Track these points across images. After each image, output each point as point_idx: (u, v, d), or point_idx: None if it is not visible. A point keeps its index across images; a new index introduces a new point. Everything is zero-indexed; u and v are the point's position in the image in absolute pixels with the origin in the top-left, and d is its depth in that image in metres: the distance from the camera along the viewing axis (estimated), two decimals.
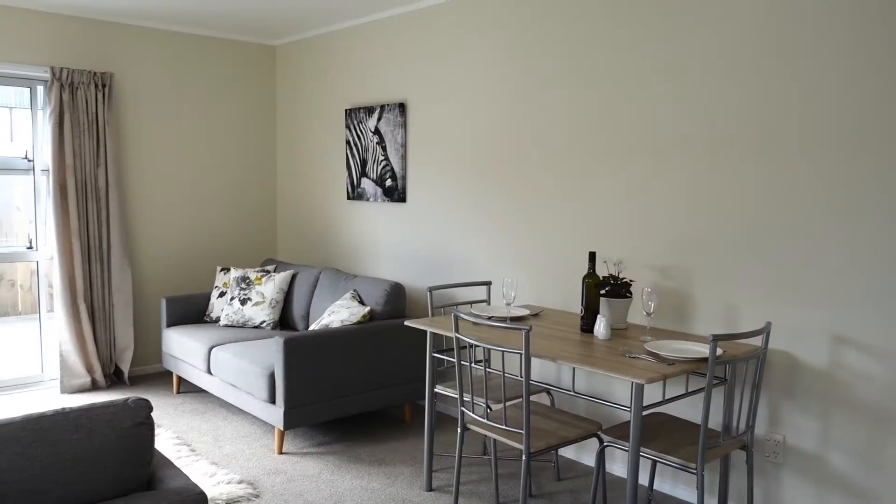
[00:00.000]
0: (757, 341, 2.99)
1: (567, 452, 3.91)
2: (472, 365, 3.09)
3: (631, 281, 3.27)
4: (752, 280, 3.07)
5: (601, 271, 3.60)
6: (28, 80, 4.86)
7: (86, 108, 4.89)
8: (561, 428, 2.95)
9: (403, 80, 4.73)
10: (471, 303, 3.84)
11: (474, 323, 3.07)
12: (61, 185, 4.84)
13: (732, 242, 3.13)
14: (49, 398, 4.84)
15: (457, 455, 3.08)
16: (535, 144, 3.93)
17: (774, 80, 2.96)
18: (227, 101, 5.73)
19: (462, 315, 2.94)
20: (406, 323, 3.43)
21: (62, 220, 4.85)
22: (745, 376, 2.87)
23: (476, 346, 2.85)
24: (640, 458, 2.66)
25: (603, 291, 3.23)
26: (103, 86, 4.94)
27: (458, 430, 3.06)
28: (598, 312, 3.15)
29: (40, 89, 4.92)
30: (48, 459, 1.73)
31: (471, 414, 2.98)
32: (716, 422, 3.19)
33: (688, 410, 3.33)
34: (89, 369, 4.99)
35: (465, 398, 3.06)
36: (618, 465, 3.67)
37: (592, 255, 3.14)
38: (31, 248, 5.10)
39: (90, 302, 5.00)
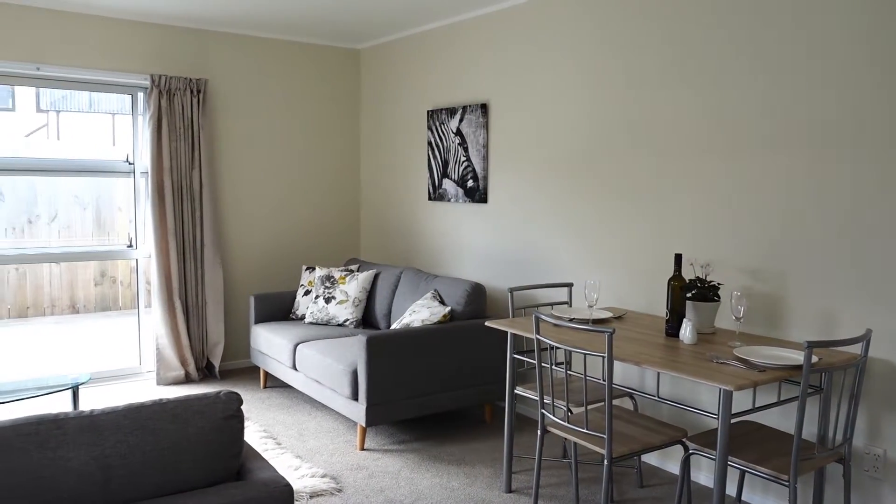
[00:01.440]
0: (856, 349, 2.84)
1: (650, 459, 3.82)
2: (553, 367, 3.06)
3: (719, 284, 3.16)
4: (850, 285, 2.92)
5: (687, 273, 3.50)
6: (129, 87, 5.13)
7: (182, 114, 5.12)
8: (644, 433, 2.88)
9: (486, 81, 4.73)
10: (552, 304, 3.81)
11: (555, 325, 3.04)
12: (159, 186, 5.08)
13: (830, 244, 2.98)
14: (146, 389, 5.08)
15: (536, 457, 3.06)
16: (618, 143, 3.86)
17: (875, 74, 2.80)
18: (313, 104, 5.88)
19: (543, 317, 2.92)
20: (486, 323, 3.43)
21: (159, 220, 5.09)
22: (843, 386, 2.73)
23: (557, 348, 2.83)
24: (728, 467, 2.57)
25: (689, 294, 3.14)
26: (198, 91, 5.16)
27: (539, 432, 3.04)
28: (683, 316, 3.07)
29: (140, 96, 5.18)
30: (147, 446, 1.82)
31: (551, 416, 2.95)
32: (810, 432, 3.05)
33: (779, 420, 3.19)
34: (183, 362, 5.22)
35: (545, 400, 3.04)
36: (703, 474, 3.56)
37: (678, 257, 3.05)
38: (130, 246, 5.38)
39: (184, 298, 5.23)
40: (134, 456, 1.80)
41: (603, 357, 2.64)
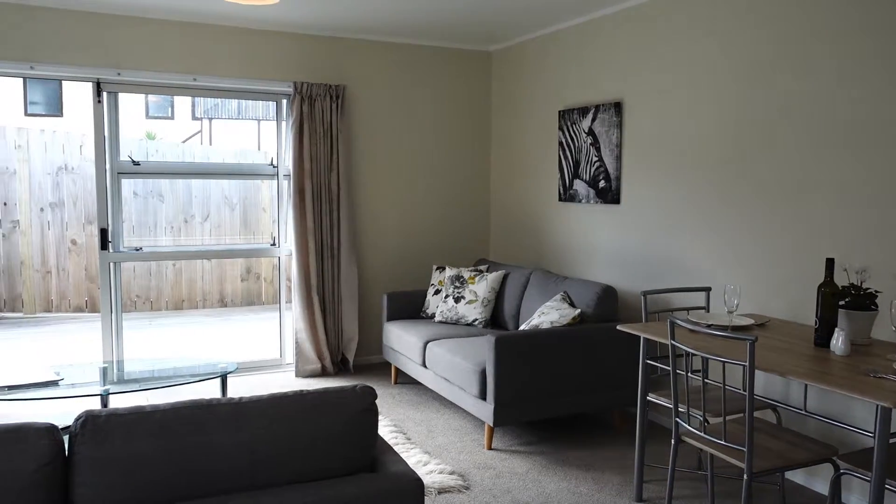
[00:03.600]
0: None
1: (794, 476, 3.59)
2: (689, 375, 2.94)
3: (877, 292, 2.92)
4: None
5: (840, 280, 3.25)
6: (275, 94, 5.43)
7: (322, 119, 5.36)
8: (788, 449, 2.71)
9: (619, 80, 4.62)
10: (687, 309, 3.66)
11: (692, 330, 2.92)
12: (300, 188, 5.34)
13: None
14: (286, 380, 5.36)
15: (669, 467, 2.96)
16: (760, 142, 3.65)
17: None
18: (445, 106, 5.98)
19: (679, 322, 2.81)
20: (618, 327, 3.35)
21: (300, 220, 5.35)
22: None
23: (694, 354, 2.72)
24: (886, 490, 2.37)
25: (842, 302, 2.92)
26: (337, 97, 5.38)
27: (672, 441, 2.93)
28: (835, 325, 2.85)
29: (284, 102, 5.47)
30: (288, 435, 1.92)
31: (686, 426, 2.84)
32: None
33: None
34: (320, 356, 5.46)
35: (680, 409, 2.93)
36: (855, 496, 3.30)
37: (830, 262, 2.85)
38: (273, 244, 5.69)
39: (322, 295, 5.47)
40: (276, 443, 1.90)
41: (744, 366, 2.51)
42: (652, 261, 4.42)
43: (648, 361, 3.31)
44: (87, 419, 1.77)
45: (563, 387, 4.01)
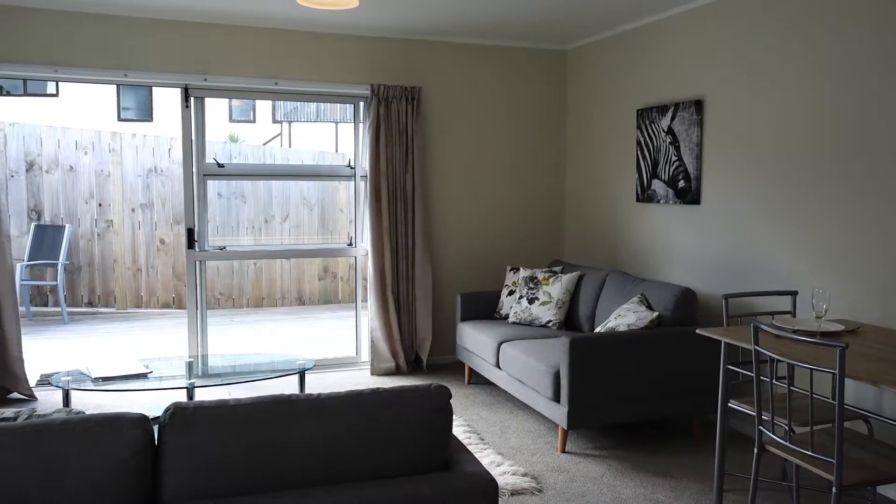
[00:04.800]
0: None
1: (888, 491, 3.41)
2: (774, 382, 2.83)
3: None
4: None
5: None
6: (352, 97, 5.53)
7: (397, 120, 5.43)
8: (881, 461, 2.58)
9: (700, 77, 4.50)
10: (772, 314, 3.53)
11: (776, 336, 2.81)
12: (376, 189, 5.42)
13: None
14: (361, 378, 5.45)
15: (752, 477, 2.86)
16: (851, 139, 3.49)
17: None
18: (520, 106, 5.96)
19: (763, 326, 2.72)
20: (698, 331, 3.26)
21: (376, 220, 5.43)
22: None
23: (779, 361, 2.62)
24: None
25: None
26: (412, 99, 5.44)
27: (755, 450, 2.83)
28: None
29: (361, 105, 5.56)
30: (365, 431, 1.95)
31: (770, 434, 2.74)
32: None
33: None
34: (394, 355, 5.53)
35: (763, 417, 2.83)
36: None
37: None
38: (350, 244, 5.80)
39: (397, 295, 5.54)
40: (353, 439, 1.93)
41: (833, 374, 2.40)
42: (734, 263, 4.28)
43: (730, 367, 3.21)
44: (176, 411, 1.85)
45: (639, 391, 3.94)
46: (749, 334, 2.98)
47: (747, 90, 4.13)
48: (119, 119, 14.13)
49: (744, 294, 3.51)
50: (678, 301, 4.11)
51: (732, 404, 3.24)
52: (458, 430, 4.22)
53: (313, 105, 16.04)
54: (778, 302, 3.90)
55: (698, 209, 4.56)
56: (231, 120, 15.97)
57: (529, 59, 5.94)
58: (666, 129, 4.78)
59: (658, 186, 4.90)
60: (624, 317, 4.16)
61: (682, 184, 4.67)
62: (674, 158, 4.73)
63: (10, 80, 5.16)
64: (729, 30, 4.25)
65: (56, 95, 13.57)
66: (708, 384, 4.06)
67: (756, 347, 2.71)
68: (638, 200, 5.12)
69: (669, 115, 4.74)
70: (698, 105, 4.48)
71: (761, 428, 2.79)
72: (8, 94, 13.09)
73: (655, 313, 4.08)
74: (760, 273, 4.08)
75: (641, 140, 5.05)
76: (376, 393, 2.02)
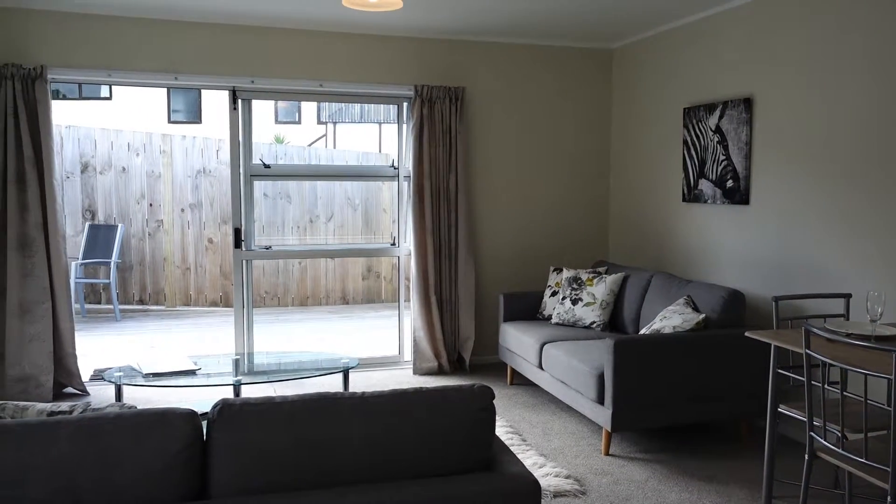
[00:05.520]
0: None
1: None
2: (826, 387, 2.76)
3: None
4: None
5: None
6: (396, 98, 5.56)
7: (441, 120, 5.44)
8: None
9: (749, 74, 4.41)
10: (824, 317, 3.43)
11: (829, 339, 2.74)
12: (419, 189, 5.44)
13: None
14: (404, 377, 5.48)
15: (802, 485, 2.79)
16: None
17: None
18: (564, 105, 5.92)
19: (815, 330, 2.65)
20: (746, 334, 3.19)
21: (419, 220, 5.45)
22: None
23: (831, 365, 2.55)
24: None
25: None
26: (456, 99, 5.45)
27: (805, 457, 2.77)
28: None
29: (405, 105, 5.59)
30: (407, 431, 1.96)
31: (821, 441, 2.67)
32: None
33: None
34: (437, 355, 5.55)
35: (815, 423, 2.76)
36: None
37: None
38: (393, 244, 5.83)
39: (439, 294, 5.55)
40: (397, 438, 1.95)
41: (889, 379, 2.33)
42: (784, 264, 4.18)
43: (780, 371, 3.14)
44: (223, 407, 1.89)
45: (685, 394, 3.87)
46: (800, 337, 2.90)
47: (799, 88, 4.03)
48: (169, 121, 14.47)
49: (794, 296, 3.43)
50: (726, 303, 4.03)
51: (782, 409, 3.17)
52: (501, 430, 4.21)
53: (357, 106, 16.18)
54: (830, 305, 3.80)
55: (747, 209, 4.47)
56: (277, 121, 16.22)
57: (574, 58, 5.89)
58: (714, 128, 4.70)
59: (705, 186, 4.81)
60: (670, 319, 4.10)
61: (730, 183, 4.57)
62: (722, 158, 4.64)
63: (66, 84, 5.33)
64: (778, 25, 4.16)
65: (109, 99, 13.96)
66: (756, 388, 3.97)
67: (807, 351, 2.64)
68: (684, 200, 5.04)
69: (717, 113, 4.65)
70: (747, 103, 4.39)
71: (813, 434, 2.72)
72: (64, 97, 13.52)
73: (702, 315, 4.01)
74: (811, 275, 3.98)
75: (688, 139, 4.97)
76: (419, 392, 2.03)
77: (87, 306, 8.23)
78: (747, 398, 3.99)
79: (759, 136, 4.35)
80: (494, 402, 4.79)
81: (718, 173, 4.68)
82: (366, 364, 5.70)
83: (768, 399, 3.18)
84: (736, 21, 4.52)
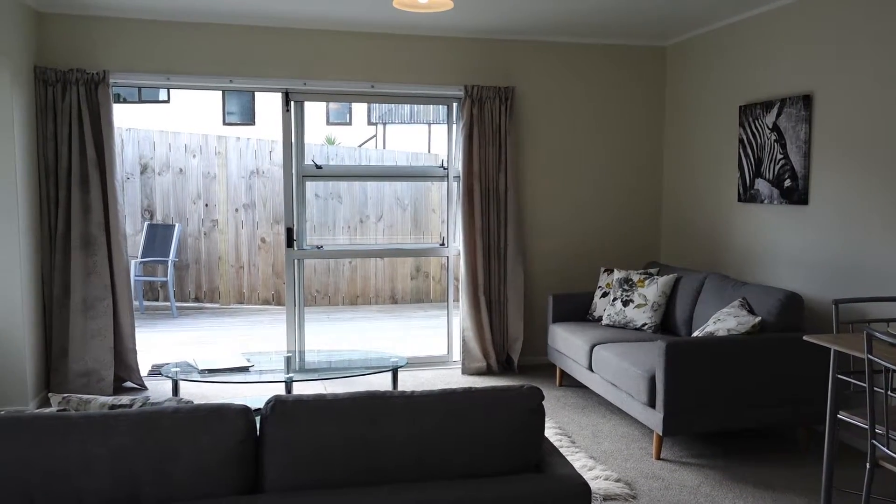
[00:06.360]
0: None
1: None
2: (889, 393, 2.66)
3: None
4: None
5: None
6: (446, 98, 5.58)
7: (491, 121, 5.44)
8: None
9: (809, 71, 4.28)
10: (887, 321, 3.32)
11: (892, 344, 2.64)
12: (469, 189, 5.44)
13: None
14: (453, 377, 5.49)
15: (864, 493, 2.70)
16: None
17: None
18: (615, 104, 5.85)
19: (877, 334, 2.56)
20: (805, 338, 3.11)
21: (468, 220, 5.46)
22: None
23: (894, 371, 2.46)
24: None
25: None
26: (506, 99, 5.44)
27: (867, 465, 2.68)
28: None
29: (455, 105, 5.60)
30: (457, 430, 1.96)
31: (884, 449, 2.58)
32: None
33: None
34: (485, 355, 5.54)
35: (877, 430, 2.66)
36: None
37: None
38: (442, 244, 5.85)
39: (488, 294, 5.55)
40: (445, 437, 1.95)
41: None
42: (844, 266, 4.05)
43: (840, 376, 3.04)
44: (276, 403, 1.92)
45: (739, 399, 3.79)
46: (861, 342, 2.81)
47: (861, 84, 3.90)
48: (224, 123, 14.79)
49: (856, 300, 3.32)
50: (783, 306, 3.93)
51: (842, 416, 3.07)
52: (550, 432, 4.18)
53: (407, 107, 16.27)
54: (893, 309, 3.66)
55: (806, 209, 4.34)
56: (328, 122, 16.43)
57: (626, 57, 5.82)
58: (771, 126, 4.58)
59: (762, 186, 4.69)
60: (724, 321, 4.02)
61: (788, 183, 4.45)
62: (779, 157, 4.52)
63: (127, 88, 5.52)
64: (838, 20, 4.03)
65: (167, 102, 14.34)
66: (814, 393, 3.86)
67: (869, 356, 2.56)
68: (740, 200, 4.92)
69: (775, 111, 4.54)
70: (806, 100, 4.27)
71: (874, 442, 2.63)
72: (124, 101, 13.94)
73: (758, 318, 3.92)
74: (874, 278, 3.85)
75: (744, 137, 4.85)
76: (469, 392, 2.03)
77: (146, 303, 8.48)
78: (805, 404, 3.88)
79: (818, 135, 4.23)
80: (543, 403, 4.77)
81: (776, 173, 4.56)
82: (414, 363, 5.73)
83: (827, 405, 3.09)
84: (793, 16, 4.39)
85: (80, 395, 2.08)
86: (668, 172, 5.90)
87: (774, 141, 4.55)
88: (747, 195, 4.84)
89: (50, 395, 2.12)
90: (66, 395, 2.10)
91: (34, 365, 4.65)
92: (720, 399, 3.76)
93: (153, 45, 5.03)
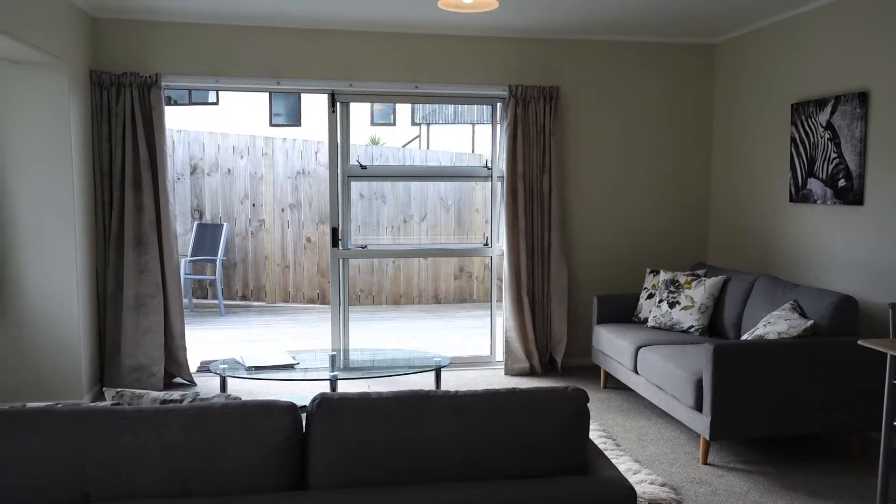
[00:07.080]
0: None
1: None
2: None
3: None
4: None
5: None
6: (490, 98, 5.57)
7: (535, 121, 5.41)
8: None
9: (864, 67, 4.16)
10: None
11: None
12: (512, 189, 5.43)
13: None
14: (496, 377, 5.48)
15: None
16: None
17: None
18: (662, 103, 5.76)
19: None
20: (860, 342, 3.02)
21: (512, 221, 5.44)
22: None
23: None
24: None
25: None
26: (550, 98, 5.40)
27: None
28: None
29: (499, 106, 5.59)
30: (501, 430, 1.96)
31: None
32: None
33: None
34: (528, 356, 5.52)
35: None
36: None
37: None
38: (486, 245, 5.84)
39: (532, 295, 5.52)
40: (489, 437, 1.95)
41: None
42: None
43: (895, 382, 2.95)
44: (322, 401, 1.94)
45: (790, 404, 3.69)
46: None
47: None
48: (271, 124, 15.02)
49: None
50: (836, 309, 3.82)
51: None
52: (594, 434, 4.14)
53: (451, 107, 16.29)
54: None
55: (861, 210, 4.22)
56: (373, 123, 16.55)
57: (673, 55, 5.73)
58: (824, 125, 4.46)
59: (815, 186, 4.57)
60: (774, 324, 3.92)
61: (842, 183, 4.33)
62: (833, 156, 4.40)
63: (177, 90, 5.64)
64: (894, 14, 3.90)
65: (216, 104, 14.63)
66: (869, 399, 3.75)
67: None
68: (791, 201, 4.80)
69: (828, 109, 4.42)
70: (862, 98, 4.14)
71: None
72: (175, 103, 14.27)
73: (810, 321, 3.82)
74: None
75: (796, 136, 4.73)
76: (513, 393, 2.03)
77: (195, 301, 8.66)
78: (859, 410, 3.76)
79: (874, 133, 4.10)
80: (588, 405, 4.73)
81: (829, 172, 4.44)
82: (457, 363, 5.73)
83: (883, 411, 3.00)
84: (847, 12, 4.27)
85: (133, 390, 2.14)
86: (717, 172, 5.79)
87: (828, 140, 4.43)
88: (799, 195, 4.73)
89: (104, 389, 2.18)
90: (119, 389, 2.16)
91: (89, 359, 4.80)
92: (769, 404, 3.67)
93: (203, 48, 5.13)
